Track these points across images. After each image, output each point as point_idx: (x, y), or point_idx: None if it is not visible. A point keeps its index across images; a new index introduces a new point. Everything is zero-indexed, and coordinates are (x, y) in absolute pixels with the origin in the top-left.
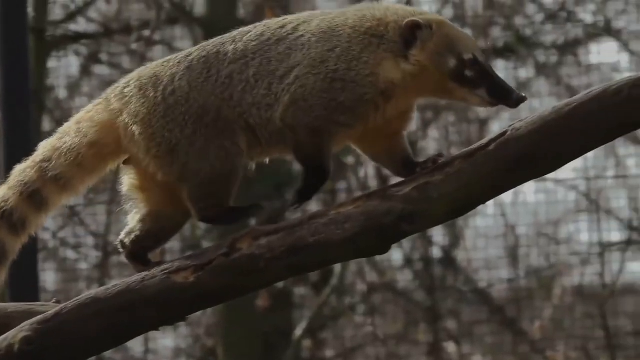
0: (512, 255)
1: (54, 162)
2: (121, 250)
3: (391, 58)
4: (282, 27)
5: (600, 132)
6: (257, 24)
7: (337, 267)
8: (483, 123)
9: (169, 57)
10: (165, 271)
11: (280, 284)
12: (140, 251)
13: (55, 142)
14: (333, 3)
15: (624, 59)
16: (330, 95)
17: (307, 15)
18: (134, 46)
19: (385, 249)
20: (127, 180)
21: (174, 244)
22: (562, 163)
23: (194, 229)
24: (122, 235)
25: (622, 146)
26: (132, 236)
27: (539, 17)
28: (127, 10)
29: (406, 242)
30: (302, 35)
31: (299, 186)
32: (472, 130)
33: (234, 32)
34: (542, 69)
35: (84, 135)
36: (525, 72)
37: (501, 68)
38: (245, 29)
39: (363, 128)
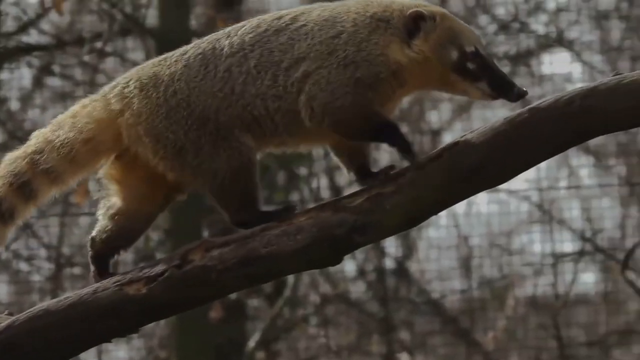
0: (465, 266)
1: (46, 155)
2: (90, 249)
3: (398, 42)
4: (279, 18)
5: (552, 142)
6: (250, 19)
7: (290, 278)
8: (436, 134)
9: (165, 56)
10: (118, 283)
11: (233, 295)
12: (109, 252)
13: (49, 135)
14: None
15: (576, 69)
16: (347, 74)
17: (304, 7)
18: (86, 58)
19: (337, 260)
20: (108, 173)
21: (127, 255)
22: (515, 174)
23: (147, 240)
24: (94, 232)
25: (574, 156)
26: (104, 236)
27: (492, 28)
28: (80, 22)
29: (359, 253)
30: (303, 25)
31: (400, 153)
32: (424, 141)
33: (228, 28)
34: None
35: (79, 132)
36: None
37: None
38: (238, 25)
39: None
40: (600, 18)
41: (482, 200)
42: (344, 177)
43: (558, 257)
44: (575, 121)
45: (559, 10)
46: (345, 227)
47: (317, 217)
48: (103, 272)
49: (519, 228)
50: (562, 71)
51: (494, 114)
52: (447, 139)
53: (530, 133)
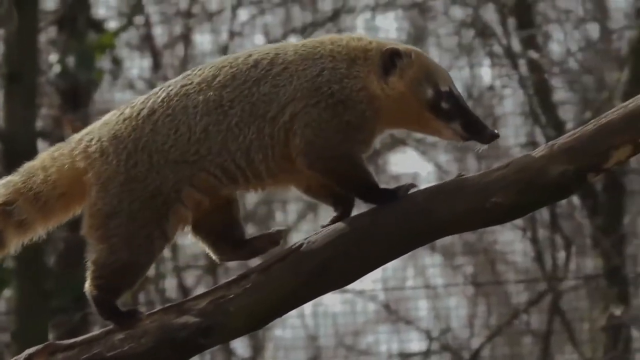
0: None
1: (19, 207)
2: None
3: (375, 74)
4: (255, 66)
5: (397, 243)
6: (215, 64)
7: None
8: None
9: (128, 112)
10: None
11: None
12: (238, 244)
13: (19, 185)
14: None
15: (423, 168)
16: (337, 119)
17: (276, 47)
18: None
19: None
20: None
21: None
22: (360, 275)
23: None
24: (213, 257)
25: (422, 255)
26: (219, 248)
27: None
28: None
29: (207, 354)
30: (285, 68)
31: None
32: None
33: (195, 79)
34: None
35: (53, 187)
36: None
37: None
38: (205, 72)
39: (369, 150)
40: None
41: (329, 300)
42: (192, 277)
43: (405, 357)
44: (420, 222)
45: None
46: (189, 329)
47: (161, 320)
48: (240, 247)
49: (366, 328)
50: (409, 170)
51: None
52: (295, 239)
53: (374, 234)
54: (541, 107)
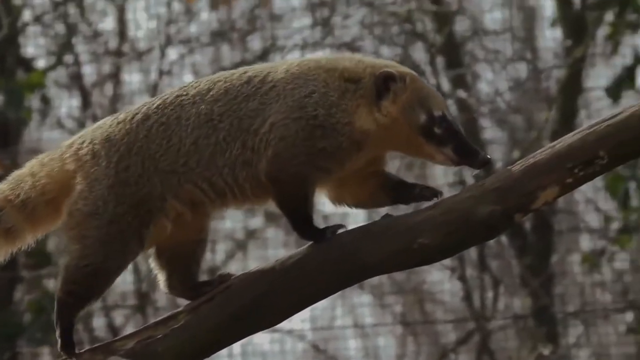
0: None
1: (7, 214)
2: (171, 294)
3: (366, 105)
4: (248, 82)
5: (325, 284)
6: (211, 78)
7: None
8: (211, 273)
9: (124, 116)
10: None
11: None
12: (188, 283)
13: (8, 192)
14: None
15: None
16: (311, 142)
17: (270, 65)
18: None
19: None
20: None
21: None
22: (288, 315)
23: None
24: (162, 287)
25: (351, 295)
26: (172, 280)
27: None
28: None
29: None
30: (273, 86)
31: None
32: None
33: (190, 91)
34: (272, 218)
35: (41, 193)
36: (255, 223)
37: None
38: (201, 85)
39: (337, 175)
40: None
41: (258, 339)
42: (120, 317)
43: None
44: (348, 263)
45: None
46: None
47: None
48: (190, 287)
49: None
50: (338, 210)
51: (268, 253)
52: None
53: (302, 274)
54: None
